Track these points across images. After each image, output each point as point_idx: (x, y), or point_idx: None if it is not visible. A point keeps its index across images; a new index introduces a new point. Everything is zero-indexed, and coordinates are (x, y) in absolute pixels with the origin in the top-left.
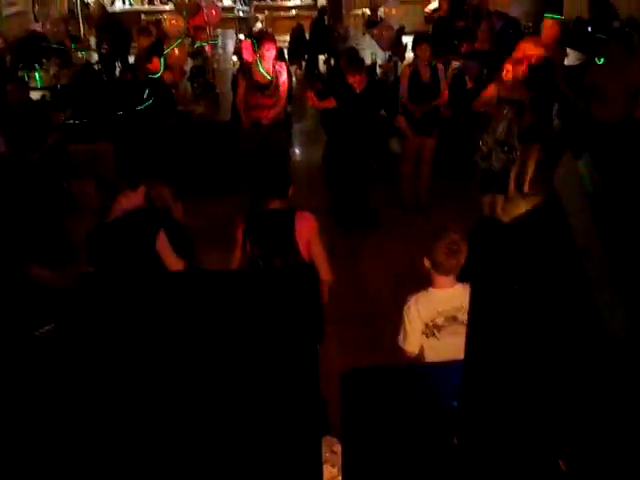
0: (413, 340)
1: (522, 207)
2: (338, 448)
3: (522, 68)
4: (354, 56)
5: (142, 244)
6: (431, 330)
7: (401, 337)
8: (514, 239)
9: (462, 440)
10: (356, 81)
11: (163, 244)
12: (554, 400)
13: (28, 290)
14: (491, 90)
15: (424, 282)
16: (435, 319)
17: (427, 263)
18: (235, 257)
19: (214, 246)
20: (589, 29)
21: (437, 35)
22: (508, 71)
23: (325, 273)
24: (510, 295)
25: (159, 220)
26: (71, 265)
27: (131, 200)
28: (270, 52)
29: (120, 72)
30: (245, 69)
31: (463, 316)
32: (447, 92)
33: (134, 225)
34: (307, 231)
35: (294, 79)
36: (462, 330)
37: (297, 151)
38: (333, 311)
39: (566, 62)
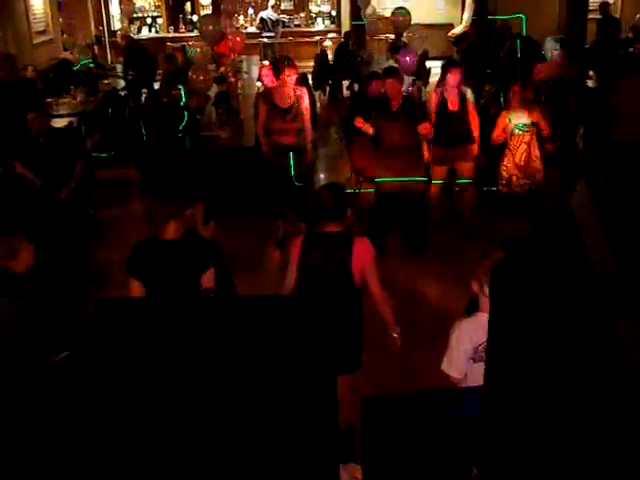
0: (460, 366)
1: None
2: (360, 474)
3: (530, 92)
4: (392, 68)
5: (189, 274)
6: (480, 355)
7: (446, 363)
8: (534, 264)
9: (482, 471)
10: (393, 91)
11: (209, 279)
12: (573, 428)
13: (46, 317)
14: (501, 118)
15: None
16: (485, 343)
17: (475, 286)
18: (289, 279)
19: (243, 270)
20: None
21: (467, 62)
22: (514, 94)
23: (381, 303)
24: (530, 319)
25: (210, 255)
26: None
27: (178, 226)
28: (291, 77)
29: (152, 96)
30: (266, 93)
31: None
32: (477, 121)
33: (186, 252)
34: (364, 257)
35: (318, 104)
36: None
37: (322, 176)
38: (368, 338)
39: (589, 84)
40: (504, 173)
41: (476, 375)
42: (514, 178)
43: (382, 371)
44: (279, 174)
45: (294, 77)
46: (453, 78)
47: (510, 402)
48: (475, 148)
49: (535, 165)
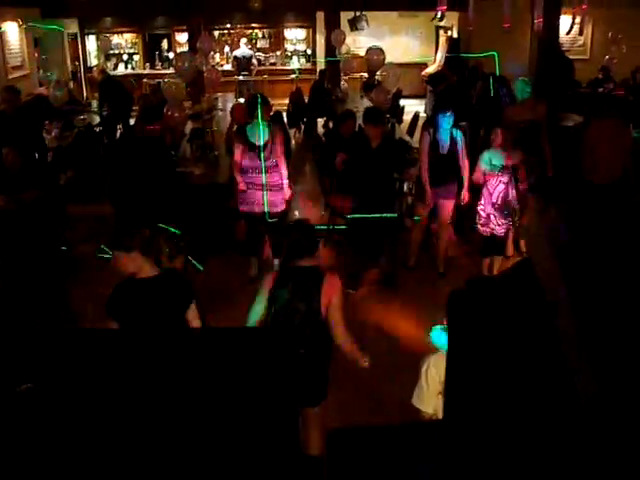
0: (429, 401)
1: None
2: None
3: (510, 135)
4: (373, 111)
5: (173, 309)
6: None
7: (416, 397)
8: (491, 296)
9: None
10: (374, 134)
11: (194, 313)
12: (529, 461)
13: (10, 347)
14: (481, 159)
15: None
16: None
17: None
18: (256, 309)
19: (218, 305)
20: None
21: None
22: (497, 135)
23: (340, 337)
24: (487, 349)
25: (190, 290)
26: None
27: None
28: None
29: (127, 132)
30: (240, 132)
31: None
32: (467, 163)
33: (166, 289)
34: (332, 291)
35: (292, 142)
36: None
37: (297, 213)
38: (337, 369)
39: (563, 123)
40: (482, 213)
41: None
42: (492, 217)
43: (351, 404)
44: (253, 212)
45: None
46: (447, 121)
47: (468, 431)
48: (464, 187)
49: (512, 205)
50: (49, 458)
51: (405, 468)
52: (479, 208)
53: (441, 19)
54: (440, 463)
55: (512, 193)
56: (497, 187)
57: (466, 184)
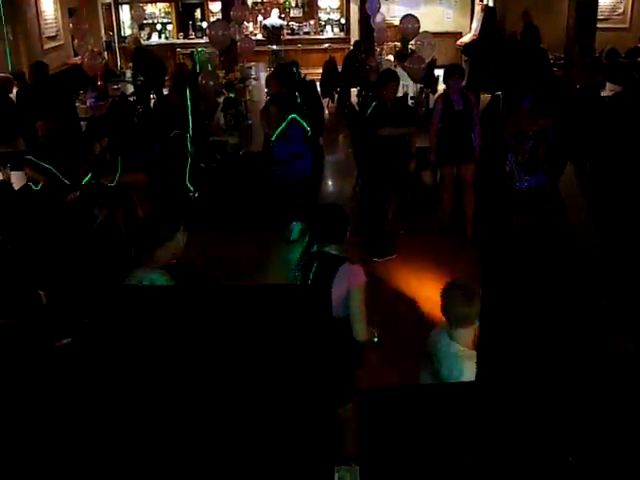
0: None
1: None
2: None
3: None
4: (389, 71)
5: None
6: None
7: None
8: (525, 246)
9: (473, 460)
10: (389, 91)
11: None
12: (562, 418)
13: (50, 304)
14: (511, 121)
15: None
16: None
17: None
18: None
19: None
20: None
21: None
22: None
23: (360, 334)
24: (521, 303)
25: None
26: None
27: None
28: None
29: (161, 101)
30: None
31: None
32: (478, 120)
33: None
34: (349, 283)
35: (326, 111)
36: None
37: (329, 182)
38: None
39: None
40: (507, 168)
41: None
42: (516, 174)
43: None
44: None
45: None
46: (453, 84)
47: (502, 390)
48: (477, 147)
49: (538, 164)
50: (85, 413)
51: (437, 428)
52: (506, 165)
53: None
54: (475, 422)
55: (536, 153)
56: (522, 148)
57: (478, 144)
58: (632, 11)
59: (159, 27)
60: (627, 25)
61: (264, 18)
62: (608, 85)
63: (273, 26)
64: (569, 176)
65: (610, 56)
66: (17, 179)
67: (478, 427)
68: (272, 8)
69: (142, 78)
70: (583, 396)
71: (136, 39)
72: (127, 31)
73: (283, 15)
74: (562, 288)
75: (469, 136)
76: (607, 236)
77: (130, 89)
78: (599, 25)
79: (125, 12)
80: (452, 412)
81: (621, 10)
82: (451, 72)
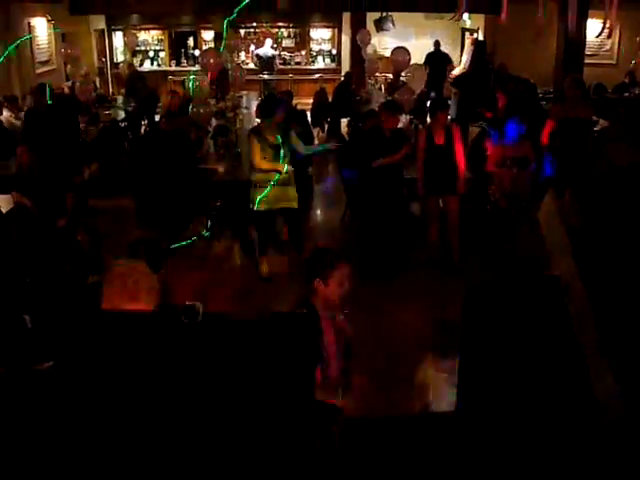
0: None
1: None
2: None
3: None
4: (392, 102)
5: None
6: None
7: None
8: (507, 292)
9: None
10: (390, 123)
11: None
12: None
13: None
14: (494, 150)
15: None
16: None
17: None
18: None
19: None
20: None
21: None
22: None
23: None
24: (502, 344)
25: None
26: None
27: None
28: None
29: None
30: (257, 130)
31: None
32: (462, 154)
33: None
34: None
35: (316, 141)
36: None
37: (318, 212)
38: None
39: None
40: (491, 197)
41: None
42: (500, 201)
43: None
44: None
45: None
46: (438, 120)
47: (482, 424)
48: (461, 180)
49: (522, 192)
50: (64, 436)
51: (416, 457)
52: (490, 193)
53: (459, 19)
54: (455, 452)
55: (521, 181)
56: (506, 176)
57: (462, 177)
58: (619, 47)
59: (152, 54)
60: (614, 61)
61: (256, 47)
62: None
63: (266, 55)
64: (549, 204)
65: (597, 91)
66: (5, 202)
67: (459, 457)
68: (265, 38)
69: (134, 104)
70: (562, 430)
71: (130, 65)
72: (120, 57)
73: (275, 45)
74: (541, 326)
75: (452, 169)
76: (585, 263)
77: (121, 115)
78: (587, 60)
79: (118, 38)
80: (434, 443)
81: (608, 46)
82: (436, 106)
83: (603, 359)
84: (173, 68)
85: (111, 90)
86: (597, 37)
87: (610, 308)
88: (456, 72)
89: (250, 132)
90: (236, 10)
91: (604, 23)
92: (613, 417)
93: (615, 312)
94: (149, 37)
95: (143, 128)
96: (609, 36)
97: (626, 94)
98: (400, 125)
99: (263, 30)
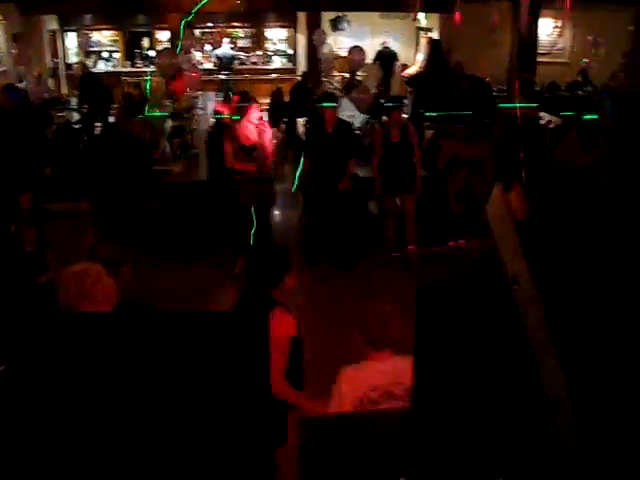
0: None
1: None
2: None
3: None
4: (329, 94)
5: None
6: (366, 406)
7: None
8: (458, 290)
9: None
10: (329, 118)
11: None
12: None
13: None
14: (445, 149)
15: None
16: (369, 394)
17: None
18: None
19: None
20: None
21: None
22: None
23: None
24: (454, 342)
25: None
26: None
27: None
28: (254, 114)
29: (108, 129)
30: (229, 131)
31: (399, 391)
32: (418, 153)
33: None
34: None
35: (274, 141)
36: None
37: (276, 212)
38: None
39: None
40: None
41: None
42: (454, 202)
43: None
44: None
45: (257, 113)
46: (393, 118)
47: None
48: (417, 178)
49: (473, 192)
50: (16, 439)
51: (378, 455)
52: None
53: (414, 19)
54: (408, 450)
55: (472, 182)
56: (458, 176)
57: (418, 175)
58: (572, 46)
59: (106, 55)
60: (567, 59)
61: (213, 47)
62: (546, 116)
63: (225, 56)
64: (496, 197)
65: (551, 89)
66: None
67: (412, 453)
68: (221, 38)
69: (87, 106)
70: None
71: (84, 66)
72: (73, 58)
73: (232, 45)
74: (491, 324)
75: (409, 168)
76: (534, 258)
77: (75, 116)
78: (540, 59)
79: (71, 39)
80: (389, 438)
81: (561, 45)
82: (392, 104)
83: (553, 356)
84: (128, 69)
85: (65, 91)
86: (548, 35)
87: (560, 303)
88: (411, 71)
89: None
90: (194, 11)
91: (555, 21)
92: (563, 414)
93: (565, 307)
94: (103, 38)
95: (98, 130)
96: (560, 34)
97: (579, 92)
98: (357, 124)
99: (219, 30)
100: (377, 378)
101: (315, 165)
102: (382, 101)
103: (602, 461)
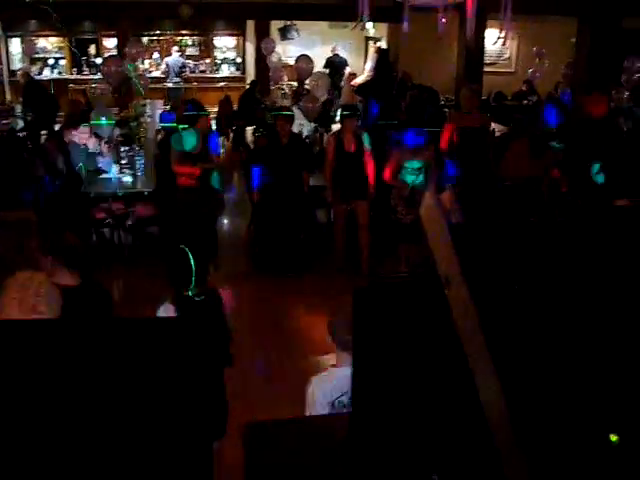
0: None
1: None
2: None
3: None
4: (284, 108)
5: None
6: (340, 409)
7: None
8: (395, 292)
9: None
10: (284, 130)
11: None
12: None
13: None
14: (393, 157)
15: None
16: (341, 397)
17: (329, 340)
18: None
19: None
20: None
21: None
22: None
23: None
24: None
25: (109, 302)
26: None
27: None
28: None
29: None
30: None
31: None
32: (371, 161)
33: (86, 302)
34: None
35: (222, 150)
36: None
37: (225, 220)
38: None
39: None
40: (392, 202)
41: None
42: (399, 208)
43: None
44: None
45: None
46: (348, 125)
47: (375, 426)
48: (370, 187)
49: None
50: None
51: (323, 458)
52: (390, 198)
53: (362, 28)
54: (350, 453)
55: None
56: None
57: (371, 183)
58: (517, 56)
59: (51, 62)
60: (513, 69)
61: (160, 55)
62: (495, 126)
63: (176, 65)
64: (429, 199)
65: (497, 99)
66: None
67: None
68: (169, 46)
69: (32, 113)
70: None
71: (26, 73)
72: (17, 64)
73: (181, 53)
74: (426, 327)
75: (362, 175)
76: (467, 261)
77: (20, 124)
78: (486, 69)
79: (15, 45)
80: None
81: (507, 55)
82: (346, 112)
83: (488, 362)
84: (74, 76)
85: (9, 98)
86: (493, 44)
87: (494, 307)
88: (360, 80)
89: None
90: None
91: (500, 32)
92: (496, 420)
93: (499, 311)
94: (48, 44)
95: (43, 138)
96: (504, 44)
97: (524, 102)
98: (305, 133)
99: (167, 38)
100: (346, 382)
101: (269, 176)
102: (337, 110)
103: (534, 462)
